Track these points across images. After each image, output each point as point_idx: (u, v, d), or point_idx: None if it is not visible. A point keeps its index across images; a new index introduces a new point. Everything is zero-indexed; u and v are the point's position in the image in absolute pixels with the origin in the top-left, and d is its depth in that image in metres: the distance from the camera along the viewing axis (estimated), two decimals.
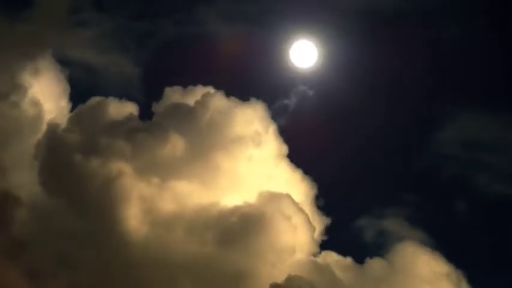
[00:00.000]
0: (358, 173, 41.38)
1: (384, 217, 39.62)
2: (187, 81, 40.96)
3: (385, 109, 43.77)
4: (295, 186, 39.79)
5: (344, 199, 39.82)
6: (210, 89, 40.35)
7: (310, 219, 38.30)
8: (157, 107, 40.14)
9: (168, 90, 40.48)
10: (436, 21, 44.31)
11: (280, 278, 34.83)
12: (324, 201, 39.38)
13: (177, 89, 40.64)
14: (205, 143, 38.64)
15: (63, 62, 42.24)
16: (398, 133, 42.17)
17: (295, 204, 37.83)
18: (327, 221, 39.02)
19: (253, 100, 40.36)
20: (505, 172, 39.31)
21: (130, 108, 39.73)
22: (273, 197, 37.77)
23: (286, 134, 39.69)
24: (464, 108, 42.01)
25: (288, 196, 37.95)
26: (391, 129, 43.12)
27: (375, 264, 39.07)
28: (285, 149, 40.30)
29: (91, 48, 46.12)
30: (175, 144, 38.16)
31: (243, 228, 36.49)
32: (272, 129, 40.34)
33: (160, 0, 48.10)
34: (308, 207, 39.41)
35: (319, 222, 39.37)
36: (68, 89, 41.49)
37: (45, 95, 41.08)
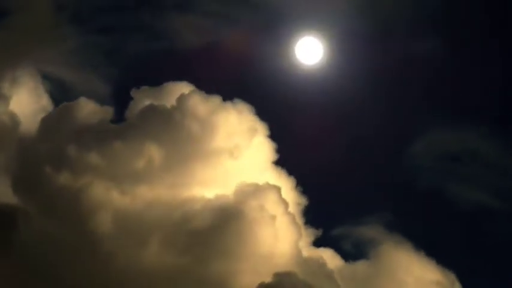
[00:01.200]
0: (337, 179, 41.52)
1: (362, 224, 39.82)
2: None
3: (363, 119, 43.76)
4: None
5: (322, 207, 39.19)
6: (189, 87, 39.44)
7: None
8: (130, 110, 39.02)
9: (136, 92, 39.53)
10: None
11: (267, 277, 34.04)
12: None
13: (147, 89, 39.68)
14: (182, 151, 37.68)
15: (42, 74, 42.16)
16: (375, 144, 42.66)
17: (280, 202, 36.76)
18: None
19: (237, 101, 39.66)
20: (477, 181, 40.72)
21: (102, 113, 38.88)
22: (256, 194, 36.64)
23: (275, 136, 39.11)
24: (435, 122, 42.97)
25: (273, 193, 36.77)
26: (370, 139, 43.18)
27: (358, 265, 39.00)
28: (272, 153, 39.53)
29: (63, 63, 45.34)
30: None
31: (222, 230, 35.29)
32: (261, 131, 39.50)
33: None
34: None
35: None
36: (45, 99, 41.58)
37: (22, 106, 40.99)
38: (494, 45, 43.68)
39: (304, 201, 39.15)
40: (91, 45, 46.92)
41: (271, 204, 36.44)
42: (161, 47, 47.32)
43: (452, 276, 37.24)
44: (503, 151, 41.77)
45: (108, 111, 39.06)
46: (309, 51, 42.27)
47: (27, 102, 41.41)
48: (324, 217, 39.45)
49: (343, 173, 42.20)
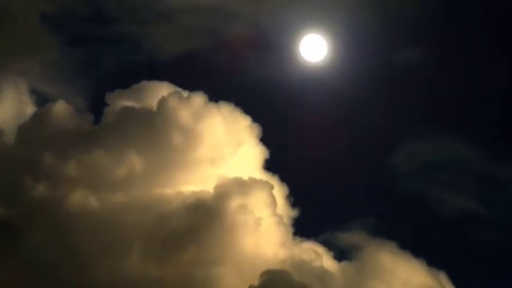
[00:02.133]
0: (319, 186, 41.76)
1: (345, 231, 39.72)
2: None
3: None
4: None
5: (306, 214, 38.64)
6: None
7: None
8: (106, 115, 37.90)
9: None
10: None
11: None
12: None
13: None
14: (163, 157, 36.52)
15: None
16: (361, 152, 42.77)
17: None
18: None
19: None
20: (459, 188, 41.25)
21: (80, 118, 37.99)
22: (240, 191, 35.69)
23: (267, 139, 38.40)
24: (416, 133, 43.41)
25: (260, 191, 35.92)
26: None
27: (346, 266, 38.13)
28: (263, 155, 38.49)
29: (45, 74, 44.83)
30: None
31: (202, 232, 34.41)
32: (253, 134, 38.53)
33: None
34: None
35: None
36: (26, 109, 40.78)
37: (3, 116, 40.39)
38: (476, 55, 44.18)
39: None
40: (71, 57, 46.63)
41: (256, 203, 35.64)
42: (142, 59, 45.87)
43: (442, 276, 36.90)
44: (484, 158, 42.51)
45: (86, 118, 38.52)
46: (314, 48, 42.57)
47: (8, 112, 40.93)
48: (308, 225, 39.00)
49: (326, 179, 42.68)
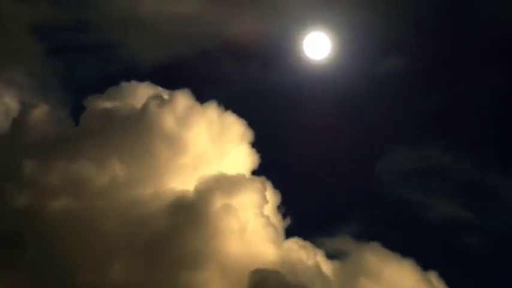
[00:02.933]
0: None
1: (330, 236, 39.59)
2: None
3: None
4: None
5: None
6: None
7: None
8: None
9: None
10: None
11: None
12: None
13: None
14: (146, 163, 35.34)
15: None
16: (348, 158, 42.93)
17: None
18: None
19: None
20: (444, 194, 42.07)
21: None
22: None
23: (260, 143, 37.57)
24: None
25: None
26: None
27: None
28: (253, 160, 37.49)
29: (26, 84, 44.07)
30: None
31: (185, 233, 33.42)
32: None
33: None
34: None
35: None
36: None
37: None
38: (461, 64, 44.30)
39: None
40: (52, 66, 46.16)
41: (244, 202, 34.77)
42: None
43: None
44: (467, 164, 43.40)
45: (67, 123, 37.60)
46: (317, 46, 42.50)
47: None
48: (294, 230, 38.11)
49: (315, 183, 42.83)
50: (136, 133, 35.30)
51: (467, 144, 43.60)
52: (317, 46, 42.14)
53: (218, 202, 33.68)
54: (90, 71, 46.52)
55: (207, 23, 47.67)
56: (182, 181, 34.44)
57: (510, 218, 41.98)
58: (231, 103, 37.44)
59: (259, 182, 35.84)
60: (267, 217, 35.36)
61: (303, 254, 35.57)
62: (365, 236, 37.63)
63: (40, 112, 37.05)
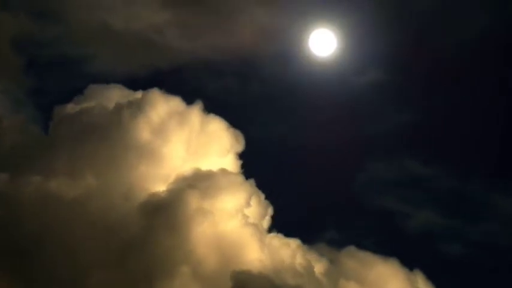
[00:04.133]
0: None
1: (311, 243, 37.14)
2: None
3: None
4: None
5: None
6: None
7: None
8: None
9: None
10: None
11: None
12: None
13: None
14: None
15: None
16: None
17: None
18: None
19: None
20: (420, 204, 42.44)
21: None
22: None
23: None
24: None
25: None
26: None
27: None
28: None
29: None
30: None
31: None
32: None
33: None
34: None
35: None
36: None
37: None
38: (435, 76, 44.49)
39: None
40: (23, 82, 44.07)
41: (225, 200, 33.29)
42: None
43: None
44: (442, 174, 43.62)
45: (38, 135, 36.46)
46: (323, 43, 41.99)
47: None
48: None
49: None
50: (108, 137, 34.05)
51: (447, 156, 43.86)
52: (323, 43, 41.99)
53: (195, 203, 32.19)
54: (61, 85, 45.35)
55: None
56: (156, 183, 33.22)
57: (491, 227, 42.78)
58: None
59: (240, 180, 34.44)
60: (247, 217, 33.90)
61: (287, 253, 34.32)
62: (343, 243, 37.09)
63: (10, 125, 36.16)
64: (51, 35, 45.27)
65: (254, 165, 36.34)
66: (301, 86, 44.42)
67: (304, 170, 43.23)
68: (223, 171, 33.96)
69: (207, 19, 46.53)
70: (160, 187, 32.93)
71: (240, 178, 34.39)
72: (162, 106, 35.48)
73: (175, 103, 35.94)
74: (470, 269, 40.14)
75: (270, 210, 35.71)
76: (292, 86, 44.70)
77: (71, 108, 35.77)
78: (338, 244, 36.80)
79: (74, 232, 31.82)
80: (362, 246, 35.95)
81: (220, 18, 46.45)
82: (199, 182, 33.06)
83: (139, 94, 35.81)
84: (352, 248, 36.85)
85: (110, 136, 34.20)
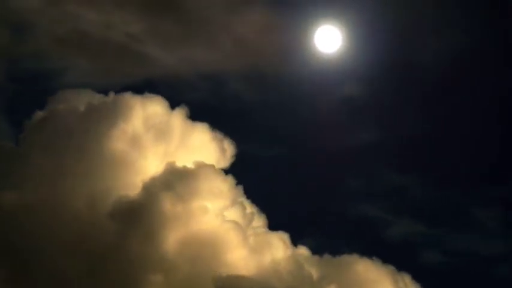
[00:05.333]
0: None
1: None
2: None
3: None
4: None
5: None
6: None
7: None
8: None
9: None
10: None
11: None
12: None
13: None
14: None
15: None
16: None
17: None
18: None
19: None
20: (403, 211, 42.70)
21: None
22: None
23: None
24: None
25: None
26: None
27: None
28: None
29: None
30: None
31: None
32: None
33: None
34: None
35: None
36: None
37: None
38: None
39: None
40: None
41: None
42: None
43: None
44: (421, 184, 44.30)
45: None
46: (328, 39, 41.76)
47: None
48: None
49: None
50: (77, 142, 32.30)
51: (429, 168, 44.48)
52: (328, 39, 41.66)
53: (169, 205, 30.52)
54: (37, 99, 44.04)
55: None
56: (128, 188, 31.53)
57: (470, 236, 43.53)
58: None
59: (222, 176, 32.50)
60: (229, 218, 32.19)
61: (272, 256, 32.44)
62: (323, 249, 35.71)
63: None
64: (26, 47, 44.30)
65: (240, 170, 34.68)
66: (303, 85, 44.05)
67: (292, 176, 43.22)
68: (202, 168, 32.15)
69: (187, 28, 45.41)
70: (132, 191, 31.07)
71: (221, 176, 32.63)
72: (136, 110, 33.92)
73: (152, 108, 34.41)
74: (450, 277, 40.76)
75: (253, 212, 33.98)
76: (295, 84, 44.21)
77: (39, 115, 34.34)
78: (319, 251, 35.59)
79: (40, 243, 30.25)
80: (343, 253, 35.04)
81: (199, 29, 45.45)
82: (175, 182, 31.29)
83: (110, 98, 34.30)
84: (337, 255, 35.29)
85: (79, 141, 32.59)
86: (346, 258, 34.31)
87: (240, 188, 33.22)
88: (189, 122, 34.05)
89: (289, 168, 43.81)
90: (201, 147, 33.12)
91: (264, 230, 33.28)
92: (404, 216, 43.22)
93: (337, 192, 43.37)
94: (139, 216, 29.91)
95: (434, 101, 45.42)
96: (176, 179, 31.03)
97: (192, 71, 45.13)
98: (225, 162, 33.83)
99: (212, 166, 32.02)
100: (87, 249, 29.82)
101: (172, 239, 30.13)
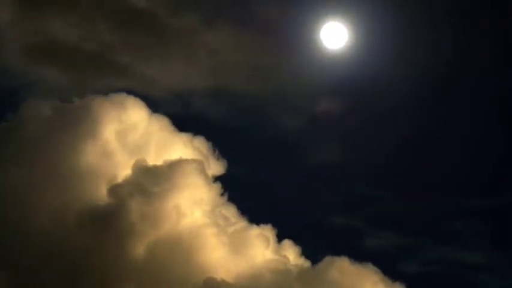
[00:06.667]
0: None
1: None
2: None
3: None
4: None
5: None
6: None
7: None
8: None
9: None
10: None
11: None
12: None
13: None
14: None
15: None
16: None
17: None
18: None
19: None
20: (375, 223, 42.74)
21: None
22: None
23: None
24: None
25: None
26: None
27: None
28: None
29: None
30: None
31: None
32: None
33: None
34: None
35: None
36: None
37: None
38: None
39: None
40: None
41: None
42: None
43: None
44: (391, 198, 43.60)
45: None
46: (334, 36, 41.03)
47: None
48: None
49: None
50: (42, 151, 30.85)
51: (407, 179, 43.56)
52: (334, 36, 40.91)
53: (139, 208, 29.01)
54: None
55: None
56: (97, 194, 30.00)
57: (448, 248, 42.99)
58: None
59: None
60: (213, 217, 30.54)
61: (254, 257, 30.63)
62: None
63: None
64: None
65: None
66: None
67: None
68: (173, 166, 30.58)
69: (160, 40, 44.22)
70: (100, 199, 29.55)
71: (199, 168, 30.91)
72: (103, 115, 32.47)
73: (120, 111, 32.97)
74: (428, 286, 40.38)
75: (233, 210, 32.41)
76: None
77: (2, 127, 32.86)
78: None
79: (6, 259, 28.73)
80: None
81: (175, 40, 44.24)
82: (144, 184, 29.68)
83: (76, 104, 32.77)
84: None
85: (45, 151, 31.05)
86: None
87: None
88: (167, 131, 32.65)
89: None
90: (170, 146, 31.50)
91: (244, 231, 31.38)
92: (381, 227, 43.00)
93: (315, 203, 42.34)
94: (107, 224, 28.35)
95: (435, 102, 44.66)
96: (146, 180, 29.41)
97: (166, 83, 43.68)
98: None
99: (184, 162, 30.26)
100: (55, 264, 28.30)
101: (143, 245, 28.41)
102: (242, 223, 31.79)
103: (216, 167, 32.54)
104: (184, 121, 35.20)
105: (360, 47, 41.07)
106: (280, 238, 32.36)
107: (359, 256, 32.00)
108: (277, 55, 42.84)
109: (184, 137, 32.53)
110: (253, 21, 42.84)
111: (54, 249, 28.40)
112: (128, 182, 29.49)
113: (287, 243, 32.34)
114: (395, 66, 43.15)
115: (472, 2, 43.36)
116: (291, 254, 32.07)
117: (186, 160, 30.56)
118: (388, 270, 32.31)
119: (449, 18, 43.85)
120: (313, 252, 33.87)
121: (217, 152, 32.85)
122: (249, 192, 38.24)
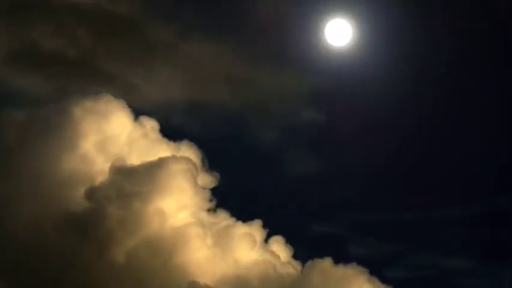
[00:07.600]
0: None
1: None
2: None
3: None
4: None
5: None
6: None
7: None
8: None
9: None
10: None
11: None
12: None
13: None
14: None
15: None
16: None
17: None
18: None
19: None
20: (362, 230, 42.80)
21: None
22: None
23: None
24: None
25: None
26: None
27: None
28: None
29: None
30: None
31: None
32: None
33: None
34: None
35: None
36: None
37: None
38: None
39: None
40: None
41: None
42: None
43: None
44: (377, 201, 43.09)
45: None
46: (339, 33, 40.68)
47: None
48: None
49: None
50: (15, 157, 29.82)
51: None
52: (339, 33, 40.53)
53: (116, 214, 27.83)
54: None
55: None
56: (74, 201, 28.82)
57: (431, 253, 42.67)
58: None
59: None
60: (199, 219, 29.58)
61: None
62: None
63: None
64: None
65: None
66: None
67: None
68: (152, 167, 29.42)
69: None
70: (79, 205, 28.44)
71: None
72: (79, 117, 31.23)
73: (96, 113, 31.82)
74: None
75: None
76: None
77: None
78: None
79: None
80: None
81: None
82: (123, 186, 28.52)
83: (51, 108, 31.50)
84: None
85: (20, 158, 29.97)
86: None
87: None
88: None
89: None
90: (150, 146, 30.40)
91: (228, 232, 30.18)
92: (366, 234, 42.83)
93: (299, 211, 41.82)
94: (86, 230, 27.32)
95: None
96: (124, 182, 28.23)
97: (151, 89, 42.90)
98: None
99: (163, 162, 29.08)
100: (35, 274, 27.34)
101: (124, 249, 27.26)
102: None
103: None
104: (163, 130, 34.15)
105: (364, 44, 40.49)
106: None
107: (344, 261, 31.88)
108: (257, 66, 42.27)
109: (167, 143, 31.36)
110: (240, 29, 42.09)
111: (31, 258, 27.38)
112: (104, 186, 28.33)
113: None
114: (397, 63, 42.19)
115: (472, 2, 42.73)
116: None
117: (169, 159, 29.36)
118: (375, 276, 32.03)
119: (449, 18, 42.71)
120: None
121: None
122: (228, 202, 37.33)
